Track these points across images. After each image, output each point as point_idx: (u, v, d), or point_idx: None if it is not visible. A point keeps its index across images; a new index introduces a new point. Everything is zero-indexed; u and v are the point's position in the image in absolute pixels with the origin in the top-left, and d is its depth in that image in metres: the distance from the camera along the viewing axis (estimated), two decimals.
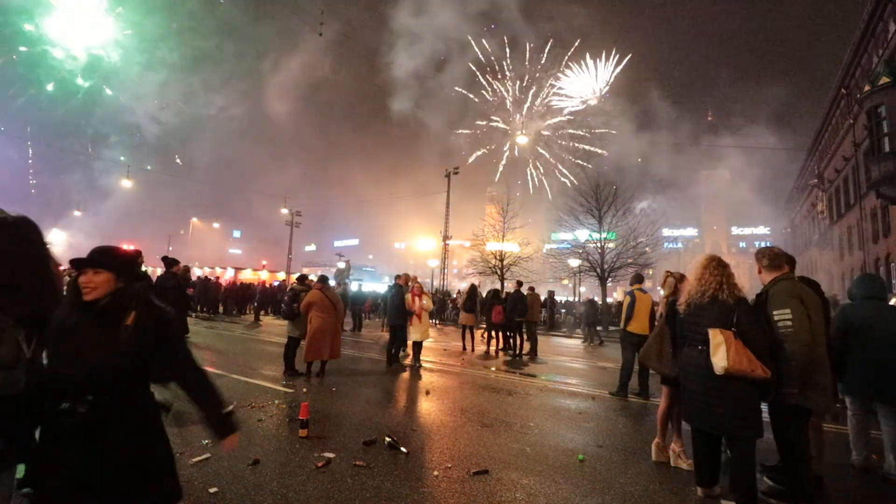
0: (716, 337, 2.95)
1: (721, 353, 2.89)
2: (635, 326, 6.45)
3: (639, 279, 7.10)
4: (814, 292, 3.32)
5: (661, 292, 4.94)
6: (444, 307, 23.19)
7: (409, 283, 9.07)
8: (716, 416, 3.00)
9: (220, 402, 1.92)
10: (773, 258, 3.30)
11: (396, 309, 8.79)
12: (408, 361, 8.84)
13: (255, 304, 19.70)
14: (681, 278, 4.31)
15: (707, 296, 3.12)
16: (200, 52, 54.92)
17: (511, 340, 11.58)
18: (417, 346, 8.81)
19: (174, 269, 6.87)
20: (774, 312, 3.05)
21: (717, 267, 3.18)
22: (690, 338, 3.21)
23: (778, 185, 58.35)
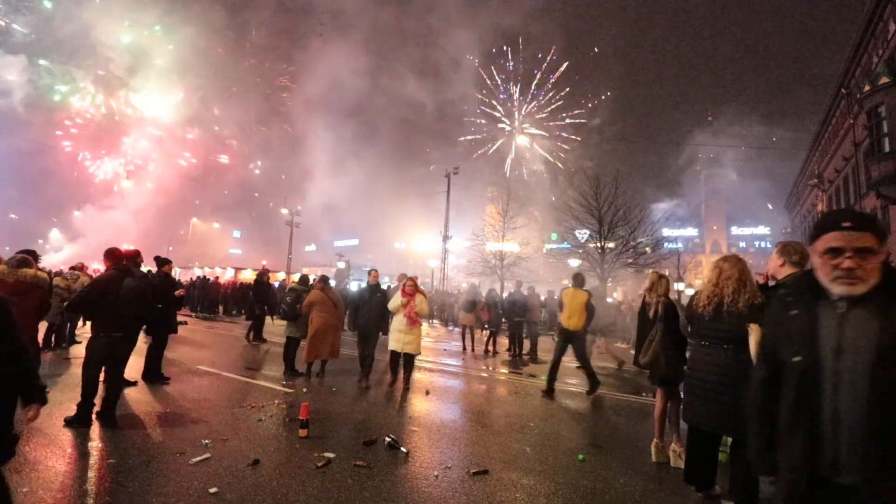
0: (757, 332, 2.78)
1: None
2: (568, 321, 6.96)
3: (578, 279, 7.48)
4: None
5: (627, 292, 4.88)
6: (444, 307, 23.19)
7: (404, 282, 6.97)
8: (736, 419, 2.84)
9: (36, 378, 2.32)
10: (804, 256, 3.28)
11: (371, 311, 6.98)
12: (398, 384, 6.72)
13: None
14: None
15: (733, 297, 3.04)
16: (201, 52, 54.80)
17: (511, 341, 11.58)
18: (409, 360, 6.77)
19: (165, 269, 6.93)
20: None
21: (743, 270, 3.13)
22: (710, 337, 3.12)
23: (778, 185, 58.33)
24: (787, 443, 1.44)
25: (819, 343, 1.38)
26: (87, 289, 4.59)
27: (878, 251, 1.35)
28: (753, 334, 2.88)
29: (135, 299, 4.52)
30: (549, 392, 6.75)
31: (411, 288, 6.80)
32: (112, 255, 4.84)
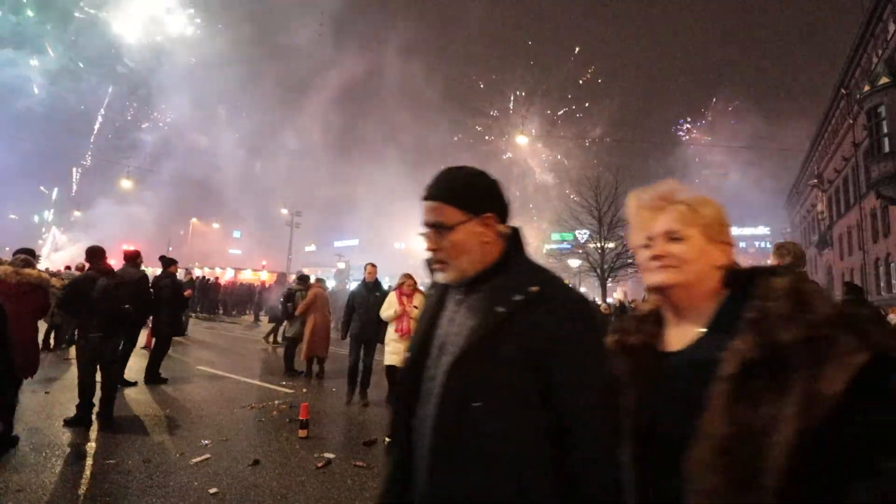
0: None
1: None
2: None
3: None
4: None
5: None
6: None
7: (400, 284, 5.78)
8: None
9: None
10: (797, 256, 3.31)
11: (369, 314, 5.98)
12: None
13: (255, 304, 19.72)
14: None
15: None
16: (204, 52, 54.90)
17: None
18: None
19: (170, 270, 6.92)
20: None
21: None
22: None
23: (778, 185, 58.36)
24: None
25: (434, 336, 1.06)
26: (65, 290, 4.59)
27: (455, 225, 1.01)
28: None
29: (105, 299, 4.46)
30: None
31: (410, 289, 5.62)
32: (91, 254, 4.80)
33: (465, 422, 0.93)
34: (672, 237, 0.91)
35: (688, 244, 0.90)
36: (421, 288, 6.01)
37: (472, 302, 1.02)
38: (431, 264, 1.08)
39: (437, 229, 1.03)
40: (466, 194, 1.04)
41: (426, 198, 1.05)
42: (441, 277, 1.07)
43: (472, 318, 0.99)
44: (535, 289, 0.95)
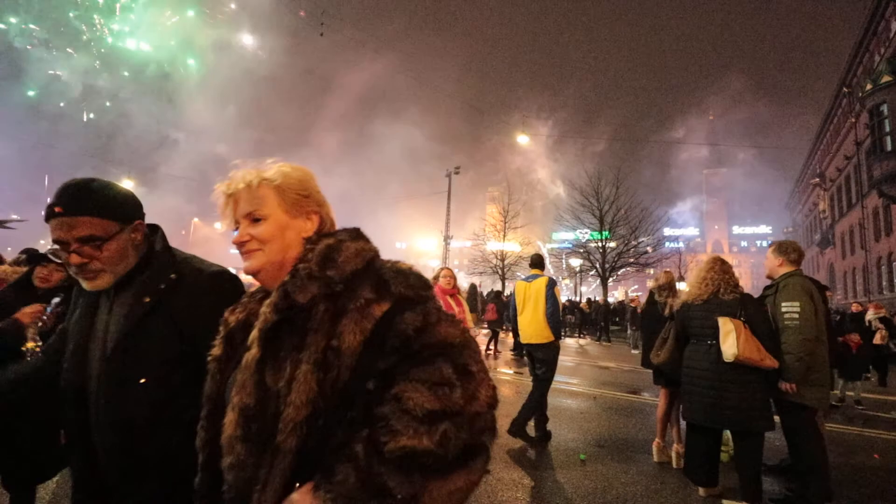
0: (726, 325, 2.95)
1: (731, 340, 2.89)
2: None
3: None
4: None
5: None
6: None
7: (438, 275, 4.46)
8: (728, 410, 2.96)
9: None
10: (801, 254, 3.31)
11: None
12: None
13: None
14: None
15: (710, 295, 3.18)
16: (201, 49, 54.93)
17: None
18: None
19: None
20: (784, 304, 3.04)
21: (719, 270, 3.24)
22: (697, 334, 3.21)
23: (780, 184, 58.26)
24: None
25: (91, 347, 1.14)
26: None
27: (112, 236, 1.10)
28: (722, 327, 3.00)
29: None
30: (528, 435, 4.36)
31: (451, 286, 4.39)
32: None
33: (134, 400, 1.05)
34: (253, 219, 0.89)
35: (268, 224, 0.88)
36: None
37: (124, 298, 1.14)
38: (79, 275, 1.11)
39: (90, 243, 1.08)
40: (116, 206, 1.13)
41: (67, 213, 1.07)
42: (92, 286, 1.12)
43: (124, 309, 1.12)
44: (173, 276, 1.14)
